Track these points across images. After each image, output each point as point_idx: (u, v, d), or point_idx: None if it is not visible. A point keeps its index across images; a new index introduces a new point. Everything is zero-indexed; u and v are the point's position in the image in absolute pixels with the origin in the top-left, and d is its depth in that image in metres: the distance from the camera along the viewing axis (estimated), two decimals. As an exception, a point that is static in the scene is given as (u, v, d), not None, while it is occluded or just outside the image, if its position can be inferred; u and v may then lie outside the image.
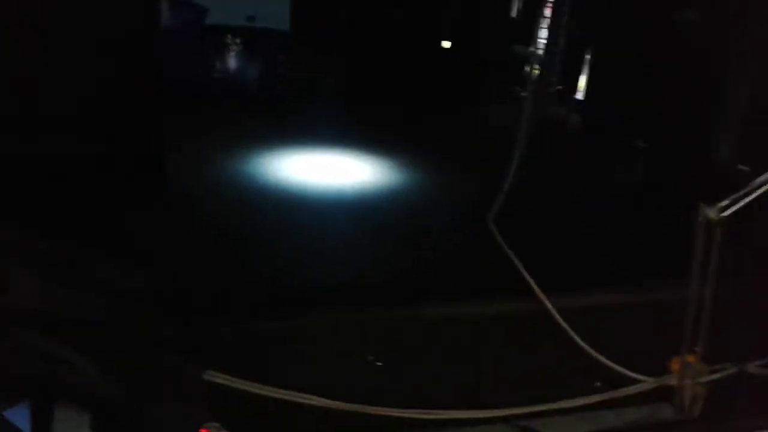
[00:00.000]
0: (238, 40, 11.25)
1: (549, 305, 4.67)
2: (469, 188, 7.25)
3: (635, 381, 4.53)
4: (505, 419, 4.25)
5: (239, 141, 8.41)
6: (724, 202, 3.58)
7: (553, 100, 11.47)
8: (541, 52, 12.05)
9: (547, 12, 11.81)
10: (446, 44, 12.08)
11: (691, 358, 4.29)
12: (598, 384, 4.60)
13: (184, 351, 2.61)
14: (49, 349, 1.79)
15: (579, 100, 11.31)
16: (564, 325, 4.57)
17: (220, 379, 3.56)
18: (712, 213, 3.60)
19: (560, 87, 11.62)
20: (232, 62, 11.35)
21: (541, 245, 5.54)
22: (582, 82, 11.35)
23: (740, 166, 7.07)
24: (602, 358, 4.51)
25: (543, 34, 12.03)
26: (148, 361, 2.12)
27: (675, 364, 4.51)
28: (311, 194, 7.17)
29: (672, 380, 4.43)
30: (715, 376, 4.48)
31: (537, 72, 11.96)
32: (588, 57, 11.13)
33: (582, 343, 4.53)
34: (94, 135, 5.62)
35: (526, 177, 6.14)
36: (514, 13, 12.58)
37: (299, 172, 7.78)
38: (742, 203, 3.53)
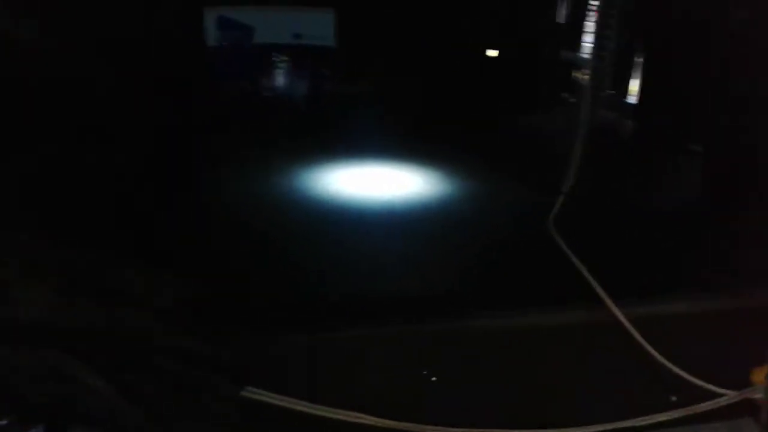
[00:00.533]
0: (284, 58, 11.34)
1: (618, 313, 4.44)
2: (522, 196, 7.04)
3: (715, 395, 4.29)
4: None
5: (286, 156, 8.40)
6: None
7: (605, 105, 11.25)
8: (589, 56, 11.83)
9: (595, 16, 11.59)
10: (492, 53, 11.96)
11: (775, 369, 4.04)
12: (674, 399, 4.37)
13: (218, 367, 2.49)
14: (66, 370, 1.67)
15: (631, 104, 11.06)
16: (636, 334, 4.35)
17: (263, 396, 3.44)
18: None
19: (611, 91, 11.38)
20: (278, 79, 11.43)
21: (604, 251, 5.29)
22: (634, 85, 11.09)
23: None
24: (678, 370, 4.28)
25: (591, 38, 11.79)
26: (174, 380, 1.99)
27: (758, 376, 4.26)
28: (361, 207, 7.09)
29: (756, 393, 4.17)
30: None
31: (587, 77, 11.76)
32: (639, 60, 10.87)
33: (656, 354, 4.31)
34: (142, 149, 5.64)
35: (583, 184, 5.94)
36: (560, 19, 12.38)
37: (348, 186, 7.70)
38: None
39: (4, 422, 1.57)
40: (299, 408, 3.62)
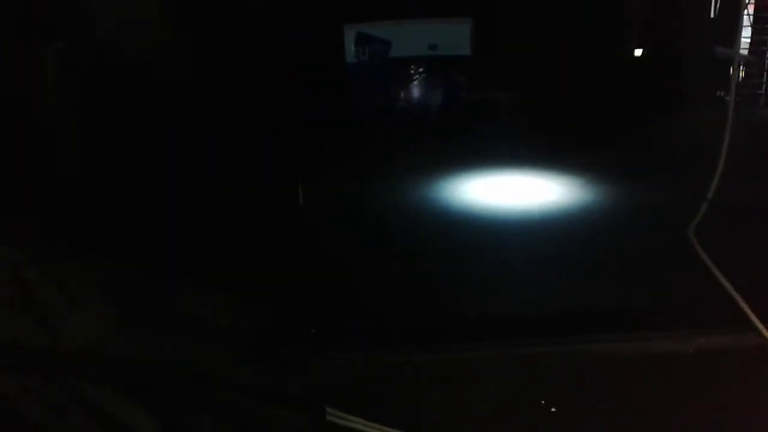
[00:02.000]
0: (421, 69, 11.48)
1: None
2: (666, 200, 6.65)
3: None
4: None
5: (424, 167, 8.46)
6: None
7: (761, 103, 10.52)
8: (745, 52, 11.06)
9: (750, 9, 10.83)
10: (638, 52, 11.46)
11: None
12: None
13: (297, 402, 2.42)
14: (111, 409, 1.64)
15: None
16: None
17: (361, 425, 3.35)
18: None
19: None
20: (415, 90, 11.58)
21: (753, 267, 4.89)
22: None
23: None
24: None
25: (746, 33, 11.03)
26: (240, 420, 1.93)
27: None
28: (498, 217, 7.00)
29: None
30: None
31: (742, 74, 11.02)
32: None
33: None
34: (280, 166, 5.83)
35: (731, 189, 5.53)
36: (713, 14, 11.65)
37: (486, 195, 7.64)
38: None
39: None
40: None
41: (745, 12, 10.97)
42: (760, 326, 4.14)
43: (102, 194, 4.42)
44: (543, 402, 3.92)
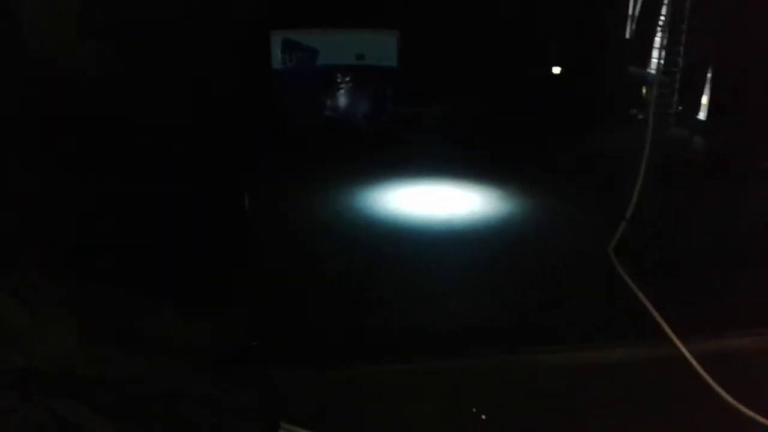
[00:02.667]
0: (348, 78, 11.48)
1: (683, 350, 4.31)
2: (584, 217, 6.88)
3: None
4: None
5: (348, 175, 8.45)
6: None
7: (674, 122, 10.95)
8: (658, 72, 11.55)
9: (664, 30, 11.32)
10: (556, 70, 11.80)
11: None
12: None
13: (246, 414, 2.45)
14: (74, 419, 1.66)
15: (701, 121, 10.74)
16: (702, 372, 4.20)
17: None
18: None
19: (681, 108, 11.08)
20: (342, 99, 11.57)
21: (669, 283, 5.12)
22: (704, 101, 10.79)
23: None
24: (750, 412, 4.10)
25: (659, 54, 11.52)
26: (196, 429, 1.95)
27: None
28: (419, 228, 7.06)
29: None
30: None
31: (656, 93, 11.47)
32: (709, 75, 10.57)
33: (725, 395, 4.15)
34: (202, 171, 5.72)
35: (647, 209, 5.77)
36: (628, 35, 12.15)
37: (410, 206, 7.69)
38: None
39: None
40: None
41: (658, 34, 11.52)
42: (674, 338, 4.35)
43: (57, 214, 4.29)
44: (474, 410, 4.04)
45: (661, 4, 11.33)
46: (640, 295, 4.82)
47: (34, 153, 4.44)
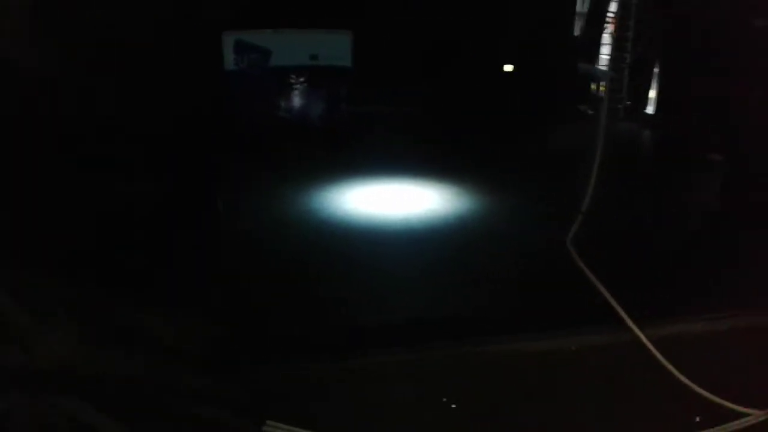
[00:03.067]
0: (302, 79, 11.45)
1: (640, 334, 4.44)
2: (541, 211, 6.98)
3: (740, 414, 4.25)
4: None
5: (304, 175, 8.44)
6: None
7: (623, 117, 11.24)
8: (606, 68, 11.84)
9: (611, 28, 11.61)
10: (508, 67, 11.98)
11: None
12: (698, 419, 4.33)
13: (236, 405, 2.49)
14: (82, 417, 1.67)
15: (649, 115, 11.05)
16: (658, 356, 4.33)
17: (281, 430, 3.44)
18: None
19: (629, 102, 11.37)
20: (297, 100, 11.54)
21: (625, 271, 5.28)
22: (652, 95, 11.10)
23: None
24: (702, 391, 4.25)
25: (608, 50, 11.82)
26: (192, 423, 1.98)
27: (783, 394, 4.21)
28: (379, 226, 7.10)
29: (781, 412, 4.13)
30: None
31: (604, 89, 11.76)
32: (656, 70, 10.88)
33: (679, 375, 4.28)
34: (160, 172, 5.66)
35: (602, 201, 5.93)
36: (576, 32, 12.40)
37: (367, 205, 7.72)
38: None
39: None
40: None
41: (606, 31, 11.81)
42: (632, 324, 4.48)
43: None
44: (444, 400, 4.13)
45: (608, 1, 11.65)
46: (598, 284, 4.95)
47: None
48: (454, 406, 4.16)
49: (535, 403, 4.22)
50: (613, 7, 11.56)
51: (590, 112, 11.61)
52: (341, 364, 4.14)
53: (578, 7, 12.26)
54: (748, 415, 4.25)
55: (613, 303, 4.65)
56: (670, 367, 4.30)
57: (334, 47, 11.31)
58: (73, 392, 1.63)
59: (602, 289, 4.84)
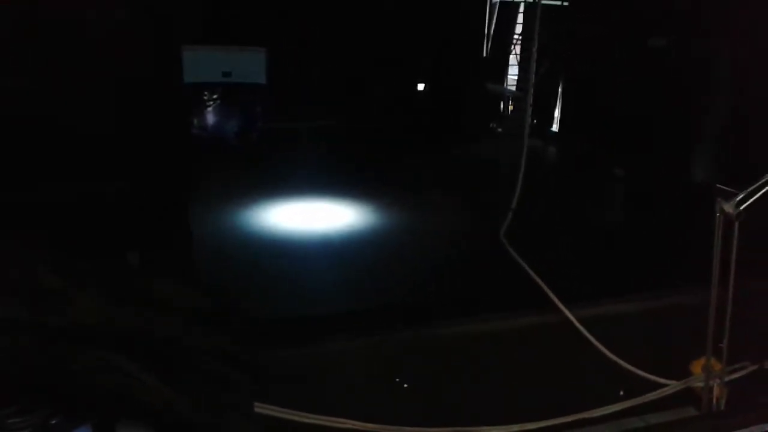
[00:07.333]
0: (215, 96, 11.34)
1: (569, 314, 4.73)
2: (475, 210, 7.42)
3: (660, 385, 4.58)
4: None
5: (220, 192, 8.32)
6: (740, 196, 3.67)
7: (529, 134, 11.67)
8: (513, 88, 12.39)
9: (517, 50, 12.17)
10: (420, 86, 12.34)
11: (712, 360, 4.35)
12: (622, 393, 4.63)
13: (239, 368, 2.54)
14: (115, 363, 1.72)
15: (554, 132, 11.61)
16: (586, 334, 4.63)
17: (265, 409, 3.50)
18: (728, 207, 3.69)
19: (535, 120, 11.87)
20: (210, 117, 11.41)
21: (552, 259, 5.70)
22: (556, 114, 11.65)
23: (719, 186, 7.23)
24: (626, 365, 4.57)
25: (514, 71, 12.36)
26: (208, 374, 2.05)
27: (697, 367, 4.58)
28: (296, 242, 7.06)
29: (696, 382, 4.48)
30: (736, 375, 4.54)
31: (510, 108, 12.29)
32: (560, 90, 11.46)
33: (605, 351, 4.59)
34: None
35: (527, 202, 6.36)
36: (485, 53, 12.93)
37: (283, 220, 7.69)
38: (758, 195, 3.63)
39: (53, 421, 1.61)
40: (284, 416, 3.69)
41: (513, 52, 12.41)
42: (561, 306, 4.79)
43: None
44: (397, 380, 4.34)
45: (514, 24, 12.26)
46: (530, 271, 5.29)
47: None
48: (405, 385, 4.36)
49: (475, 379, 4.46)
50: (518, 29, 12.16)
51: (499, 129, 12.10)
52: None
53: (488, 29, 12.80)
54: (666, 386, 4.60)
55: (544, 287, 4.96)
56: (597, 344, 4.61)
57: (248, 64, 11.27)
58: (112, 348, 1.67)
59: (533, 275, 5.16)
